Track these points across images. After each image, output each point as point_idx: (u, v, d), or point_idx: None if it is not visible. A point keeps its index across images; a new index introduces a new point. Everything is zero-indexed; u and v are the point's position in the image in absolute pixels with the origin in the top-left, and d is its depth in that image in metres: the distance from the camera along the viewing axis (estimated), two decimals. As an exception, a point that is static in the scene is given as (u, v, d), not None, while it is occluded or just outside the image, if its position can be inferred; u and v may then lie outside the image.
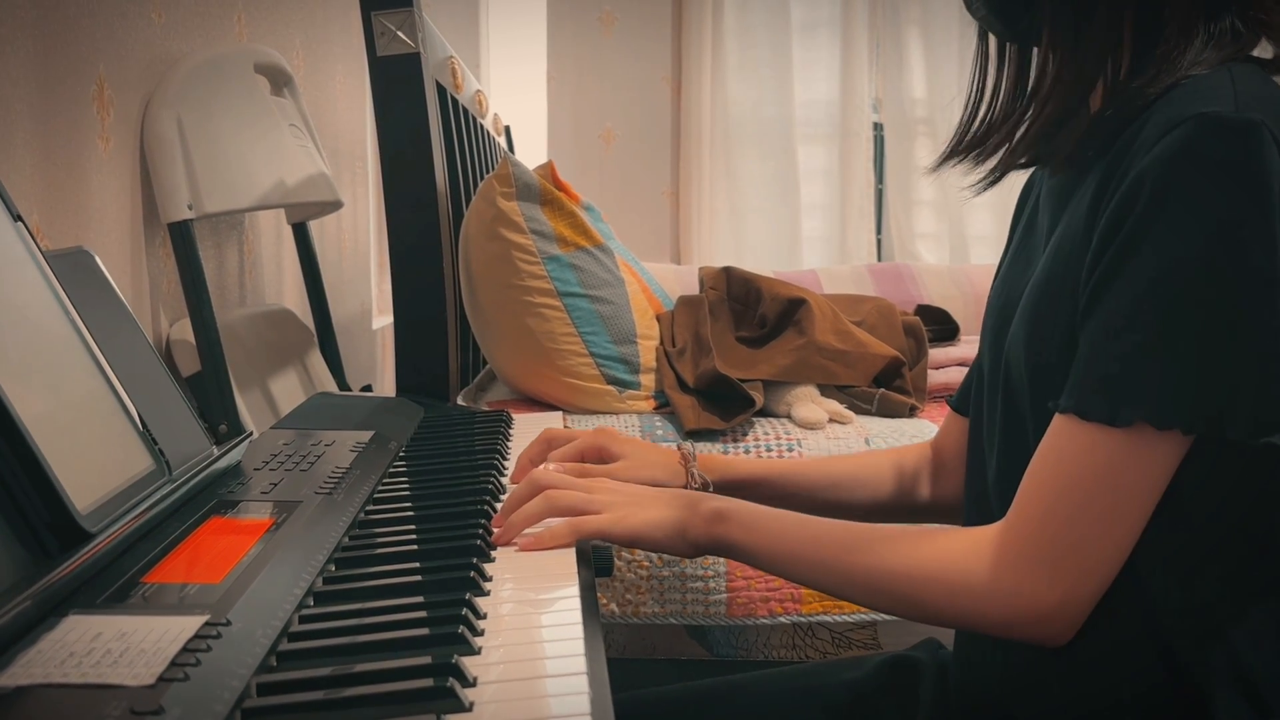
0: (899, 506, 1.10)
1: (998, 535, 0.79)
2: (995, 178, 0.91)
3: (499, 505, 0.99)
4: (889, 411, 1.78)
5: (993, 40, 0.92)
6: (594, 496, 0.90)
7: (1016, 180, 0.98)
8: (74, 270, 0.92)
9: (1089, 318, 0.75)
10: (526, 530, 0.88)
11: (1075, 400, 0.75)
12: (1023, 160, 0.89)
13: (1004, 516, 0.89)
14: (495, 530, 0.88)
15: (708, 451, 1.60)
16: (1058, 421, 0.77)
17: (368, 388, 2.45)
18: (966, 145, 0.92)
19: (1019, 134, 0.86)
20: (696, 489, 1.07)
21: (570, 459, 1.06)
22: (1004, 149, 0.89)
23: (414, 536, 0.88)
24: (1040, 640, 0.79)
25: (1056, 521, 0.76)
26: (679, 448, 1.11)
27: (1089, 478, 0.75)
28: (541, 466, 1.05)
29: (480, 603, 0.73)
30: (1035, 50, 0.90)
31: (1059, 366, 0.79)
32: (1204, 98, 0.74)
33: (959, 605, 0.80)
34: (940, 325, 2.25)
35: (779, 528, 0.88)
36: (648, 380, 1.79)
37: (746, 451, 1.63)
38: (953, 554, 0.81)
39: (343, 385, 2.12)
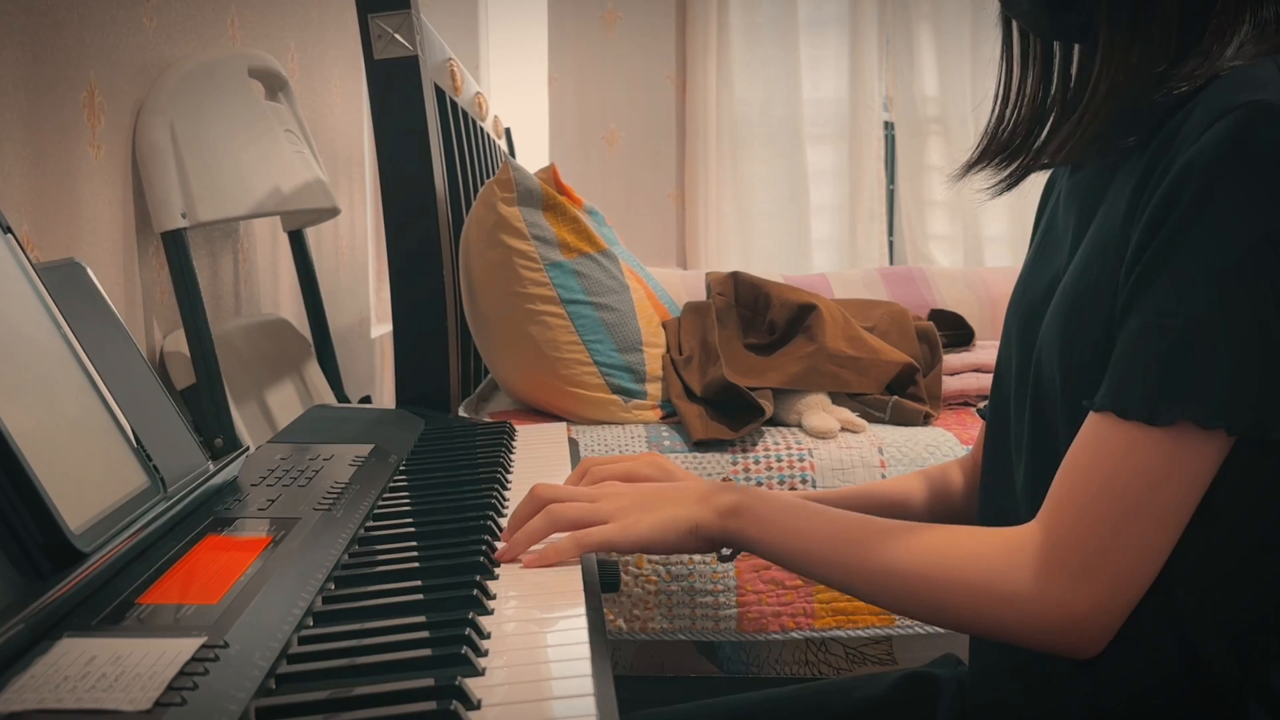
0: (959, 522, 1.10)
1: (1026, 537, 0.78)
2: (1016, 179, 0.91)
3: (503, 521, 0.99)
4: (903, 420, 1.78)
5: (1017, 41, 0.91)
6: (599, 506, 0.88)
7: (1033, 180, 0.98)
8: (65, 283, 0.93)
9: (1129, 314, 0.75)
10: (531, 548, 0.87)
11: (1113, 398, 0.74)
12: (1045, 161, 0.89)
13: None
14: (499, 547, 0.88)
15: (717, 460, 1.60)
16: (1094, 420, 0.76)
17: (366, 399, 2.46)
18: (992, 151, 0.91)
19: (1074, 139, 0.83)
20: None
21: (616, 479, 1.02)
22: (1030, 153, 0.88)
23: (416, 553, 0.88)
24: (1069, 650, 0.78)
25: (1090, 524, 0.75)
26: (726, 480, 1.11)
27: (1126, 479, 0.74)
28: (589, 479, 1.04)
29: (484, 621, 0.73)
30: (1059, 48, 0.89)
31: (1095, 367, 0.78)
32: (1251, 86, 0.73)
33: (982, 609, 0.79)
34: (955, 330, 2.24)
35: (794, 523, 0.87)
36: (654, 389, 1.79)
37: (756, 462, 1.63)
38: (975, 555, 0.80)
39: (341, 397, 2.12)
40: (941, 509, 1.09)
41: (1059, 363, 0.82)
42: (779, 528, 0.87)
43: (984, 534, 0.81)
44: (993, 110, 0.92)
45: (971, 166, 0.93)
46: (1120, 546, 0.74)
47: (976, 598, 0.79)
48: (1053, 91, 0.90)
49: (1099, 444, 0.75)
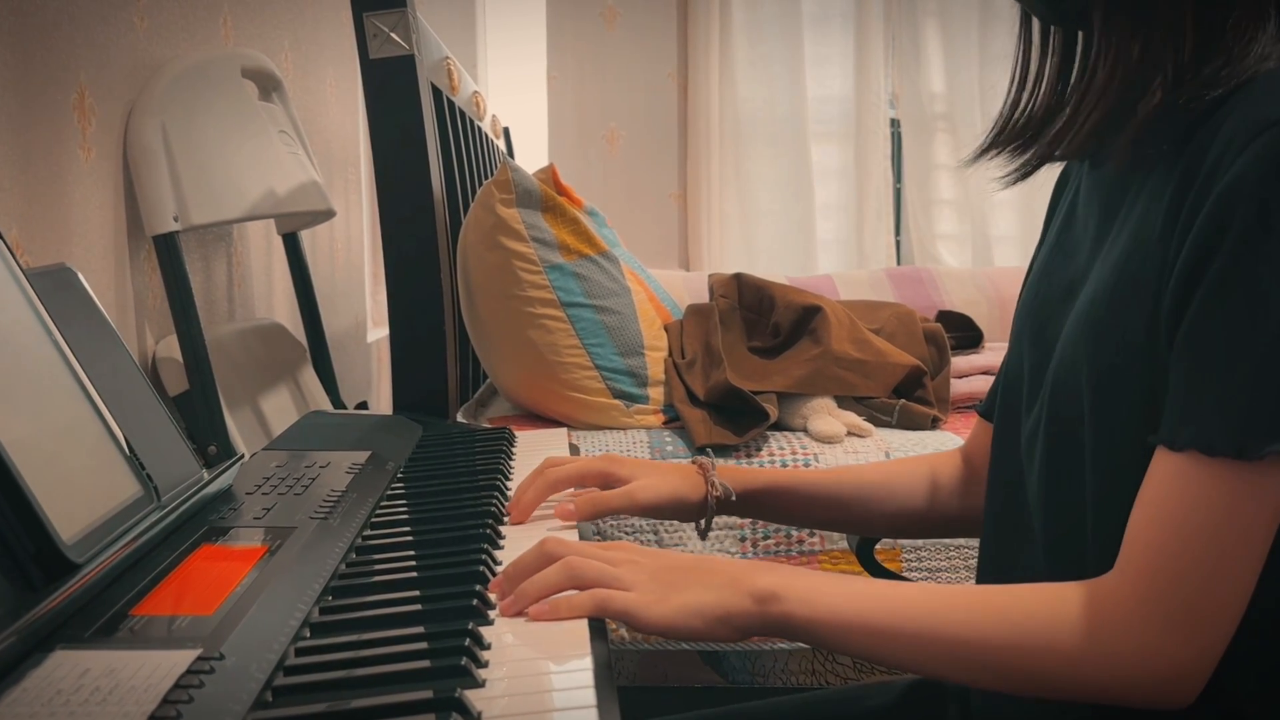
0: (930, 517, 1.10)
1: (1114, 590, 0.75)
2: (1028, 170, 0.90)
3: (503, 528, 1.00)
4: (910, 423, 1.78)
5: (1036, 25, 0.90)
6: (620, 572, 0.81)
7: (1042, 176, 0.98)
8: (56, 288, 0.93)
9: (1193, 344, 0.73)
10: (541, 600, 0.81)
11: (1194, 436, 0.72)
12: (1058, 153, 0.87)
13: (1044, 538, 0.88)
14: (496, 596, 0.82)
15: (722, 465, 1.60)
16: (1173, 461, 0.73)
17: (363, 405, 2.46)
18: (1006, 137, 0.89)
19: (1072, 132, 0.83)
20: (717, 497, 1.07)
21: (571, 481, 1.05)
22: (1043, 143, 0.87)
23: (414, 563, 0.88)
24: (1169, 702, 0.75)
25: (1187, 570, 0.72)
26: (695, 461, 1.10)
27: (1218, 519, 0.71)
28: (542, 481, 1.04)
29: (484, 632, 0.73)
30: (1081, 36, 0.87)
31: (1129, 375, 0.77)
32: None
33: (1082, 675, 0.75)
34: (963, 332, 2.24)
35: (845, 595, 0.79)
36: (656, 394, 1.79)
37: (761, 467, 1.63)
38: (1063, 616, 0.75)
39: (337, 403, 2.12)
40: (931, 502, 1.09)
41: (1087, 370, 0.81)
42: (827, 605, 0.79)
43: (1062, 592, 0.77)
44: (1007, 95, 0.90)
45: (984, 152, 0.91)
46: (1218, 589, 0.72)
47: (1076, 663, 0.75)
48: (1072, 80, 0.88)
49: (1182, 485, 0.72)
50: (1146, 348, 0.77)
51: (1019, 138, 0.89)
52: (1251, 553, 0.72)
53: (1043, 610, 0.76)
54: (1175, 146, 0.77)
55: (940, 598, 0.80)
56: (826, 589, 0.80)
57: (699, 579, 0.82)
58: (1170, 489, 0.73)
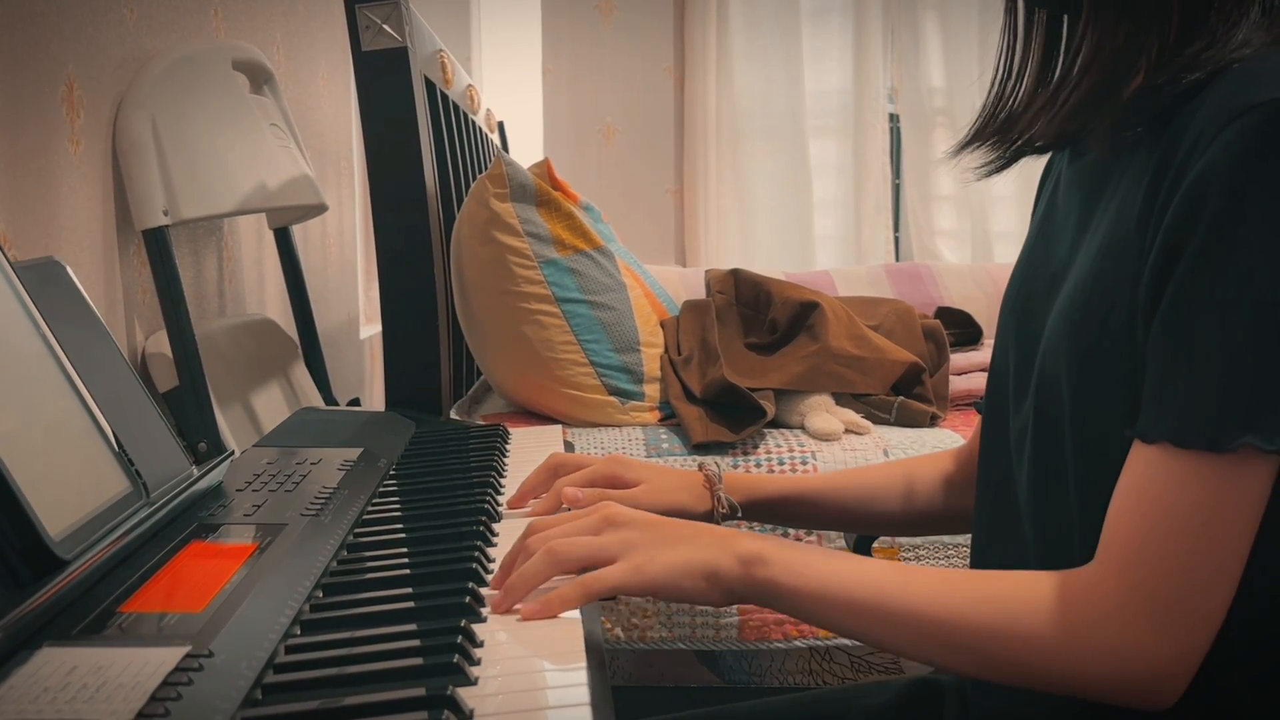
0: (935, 516, 1.11)
1: (1096, 583, 0.75)
2: (1006, 162, 0.89)
3: (497, 526, 1.00)
4: (908, 421, 1.78)
5: (1021, 13, 0.90)
6: (605, 541, 0.82)
7: (1039, 170, 0.97)
8: (44, 282, 0.93)
9: (1167, 335, 0.73)
10: (531, 593, 0.81)
11: (1167, 428, 0.72)
12: (1039, 144, 0.87)
13: (1034, 537, 0.88)
14: (492, 592, 0.82)
15: (722, 466, 1.60)
16: (1147, 453, 0.73)
17: (355, 401, 2.46)
18: (990, 131, 0.89)
19: (1050, 114, 0.82)
20: (723, 514, 1.08)
21: (580, 486, 1.05)
22: (1021, 131, 0.86)
23: (406, 560, 0.88)
24: (1150, 701, 0.74)
25: (1167, 565, 0.72)
26: (701, 467, 1.10)
27: (1195, 513, 0.71)
28: (550, 492, 1.05)
29: (477, 629, 0.73)
30: (1066, 21, 0.87)
31: (1112, 367, 0.77)
32: (1267, 82, 0.71)
33: (1059, 667, 0.75)
34: (962, 329, 2.24)
35: (830, 569, 0.80)
36: (652, 390, 1.79)
37: (758, 465, 1.63)
38: (1047, 605, 0.75)
39: (329, 399, 2.12)
40: (922, 502, 1.10)
41: (1069, 364, 0.81)
42: (812, 575, 0.80)
43: (1044, 580, 0.77)
44: (990, 88, 0.90)
45: (966, 145, 0.90)
46: (1199, 584, 0.72)
47: (1053, 653, 0.75)
48: (1058, 70, 0.88)
49: (1159, 478, 0.72)
50: (1127, 339, 0.76)
51: (1002, 130, 0.88)
52: (1233, 548, 0.72)
53: (1022, 596, 0.77)
54: (1152, 133, 0.77)
55: (923, 578, 0.80)
56: (813, 560, 0.81)
57: (688, 537, 0.83)
58: (1147, 482, 0.73)
